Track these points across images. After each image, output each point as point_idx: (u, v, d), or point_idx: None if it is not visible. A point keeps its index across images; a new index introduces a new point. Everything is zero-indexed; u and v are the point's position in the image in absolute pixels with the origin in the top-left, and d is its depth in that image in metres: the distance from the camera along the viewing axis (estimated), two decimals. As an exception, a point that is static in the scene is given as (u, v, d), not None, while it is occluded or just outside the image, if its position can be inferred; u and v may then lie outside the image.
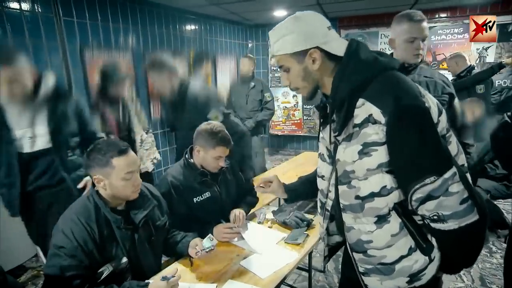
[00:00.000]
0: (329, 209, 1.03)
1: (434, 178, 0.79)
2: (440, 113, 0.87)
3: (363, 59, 0.88)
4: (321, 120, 1.04)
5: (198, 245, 1.41)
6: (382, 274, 0.93)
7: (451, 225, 0.81)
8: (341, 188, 0.95)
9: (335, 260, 2.52)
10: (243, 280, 1.32)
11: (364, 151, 0.85)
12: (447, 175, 0.79)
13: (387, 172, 0.85)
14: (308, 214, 1.83)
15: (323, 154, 1.06)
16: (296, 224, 1.70)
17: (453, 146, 0.89)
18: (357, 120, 0.86)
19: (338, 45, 0.91)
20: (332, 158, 0.98)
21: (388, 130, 0.81)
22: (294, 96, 5.66)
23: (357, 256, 0.98)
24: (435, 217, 0.82)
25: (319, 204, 1.11)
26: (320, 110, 1.03)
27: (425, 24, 1.51)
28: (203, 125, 1.66)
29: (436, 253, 0.90)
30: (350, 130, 0.88)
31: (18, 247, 2.44)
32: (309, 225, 1.73)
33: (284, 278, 1.37)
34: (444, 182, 0.79)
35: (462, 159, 0.90)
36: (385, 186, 0.86)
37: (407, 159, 0.82)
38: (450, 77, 3.68)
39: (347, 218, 0.97)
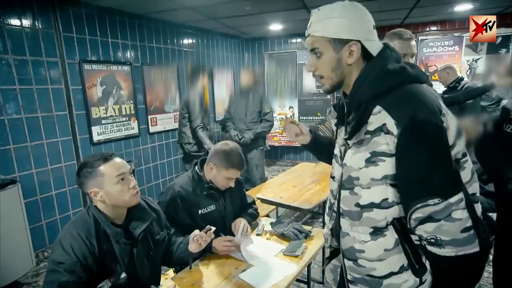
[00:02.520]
0: (336, 210, 1.01)
1: (438, 200, 0.75)
2: (458, 136, 0.81)
3: (389, 68, 0.84)
4: (337, 120, 1.02)
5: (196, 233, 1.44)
6: (369, 286, 0.93)
7: (447, 251, 0.77)
8: (344, 193, 0.94)
9: (334, 271, 2.51)
10: (242, 293, 1.32)
11: (372, 160, 0.83)
12: (452, 199, 0.75)
13: (391, 185, 0.83)
14: (306, 226, 1.84)
15: (336, 155, 1.03)
16: (294, 235, 1.71)
17: (467, 173, 0.82)
18: (371, 127, 0.84)
19: (376, 47, 0.88)
20: (342, 161, 0.96)
21: (398, 143, 0.78)
22: (290, 107, 5.73)
23: (347, 263, 0.98)
24: (432, 240, 0.79)
25: (327, 205, 1.10)
26: (338, 110, 1.00)
27: (413, 42, 1.59)
28: (220, 145, 1.70)
29: (428, 277, 0.87)
30: (362, 136, 0.86)
31: (13, 263, 2.41)
32: (307, 236, 1.74)
33: (283, 290, 1.37)
34: (447, 206, 0.75)
35: (474, 188, 0.84)
36: (387, 199, 0.84)
37: (413, 176, 0.79)
38: (441, 87, 3.78)
39: (344, 223, 0.96)
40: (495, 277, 1.80)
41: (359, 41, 0.85)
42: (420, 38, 4.77)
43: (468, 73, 4.56)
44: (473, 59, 4.54)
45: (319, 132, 1.26)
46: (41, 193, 2.86)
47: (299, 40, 5.49)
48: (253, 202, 1.99)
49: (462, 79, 3.45)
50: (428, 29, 4.76)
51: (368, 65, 0.87)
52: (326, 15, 0.86)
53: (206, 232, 1.44)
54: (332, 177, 1.05)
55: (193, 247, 1.44)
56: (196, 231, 1.46)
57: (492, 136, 1.63)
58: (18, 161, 2.67)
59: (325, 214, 1.13)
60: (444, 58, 4.66)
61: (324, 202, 2.76)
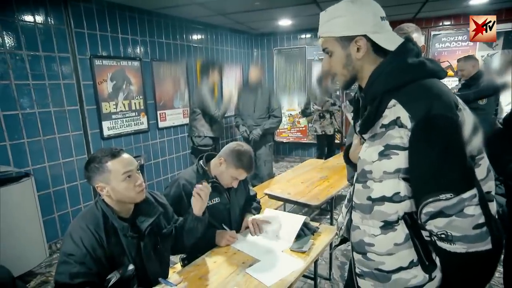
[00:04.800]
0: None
1: (451, 195, 0.74)
2: (475, 133, 0.79)
3: (409, 62, 0.84)
4: (353, 114, 1.02)
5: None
6: (377, 280, 0.92)
7: (458, 247, 0.76)
8: (357, 186, 0.94)
9: (341, 268, 2.51)
10: (248, 287, 1.33)
11: (385, 153, 0.83)
12: (465, 195, 0.74)
13: (404, 179, 0.83)
14: (314, 222, 1.84)
15: None
16: (302, 232, 1.71)
17: (482, 170, 0.81)
18: (385, 120, 0.84)
19: (388, 38, 0.87)
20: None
21: (412, 136, 0.78)
22: (299, 104, 5.69)
23: (356, 256, 0.98)
24: (443, 236, 0.78)
25: (347, 197, 1.11)
26: (353, 104, 1.00)
27: (414, 36, 1.55)
28: (235, 144, 1.72)
29: (437, 273, 0.86)
30: (376, 130, 0.86)
31: (28, 252, 2.48)
32: (314, 233, 1.73)
33: (290, 286, 1.36)
34: (460, 202, 0.74)
35: (489, 186, 0.82)
36: (399, 192, 0.84)
37: (426, 170, 0.78)
38: (456, 82, 3.65)
39: (355, 216, 0.96)
40: (506, 277, 1.77)
41: (365, 35, 0.86)
42: (432, 33, 4.66)
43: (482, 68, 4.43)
44: (488, 54, 4.41)
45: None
46: (54, 186, 2.93)
47: (308, 35, 5.44)
48: (256, 195, 2.02)
49: (482, 73, 3.19)
50: (441, 23, 4.65)
51: (387, 59, 0.86)
52: (331, 15, 0.89)
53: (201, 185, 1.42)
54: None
55: (197, 208, 1.43)
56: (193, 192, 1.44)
57: (502, 133, 1.60)
58: (31, 155, 2.74)
59: (344, 206, 1.14)
60: (458, 53, 4.54)
61: (332, 199, 2.75)
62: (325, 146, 4.78)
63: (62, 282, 1.13)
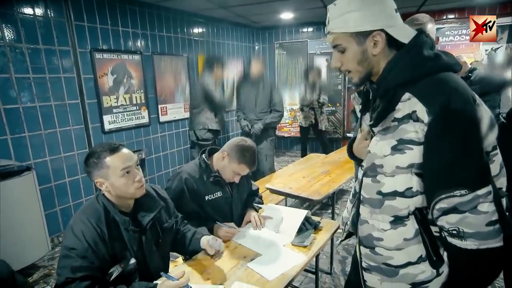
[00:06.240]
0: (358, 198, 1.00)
1: (465, 192, 0.73)
2: (491, 128, 0.77)
3: (424, 54, 0.81)
4: (362, 107, 1.00)
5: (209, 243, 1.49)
6: (384, 275, 0.92)
7: (469, 244, 0.76)
8: (366, 180, 0.93)
9: (342, 262, 2.52)
10: (250, 281, 1.33)
11: (398, 147, 0.81)
12: (480, 191, 0.73)
13: (416, 174, 0.81)
14: (315, 217, 1.84)
15: None
16: (303, 226, 1.71)
17: (495, 166, 0.80)
18: (398, 114, 0.81)
19: (402, 31, 0.85)
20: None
21: (428, 130, 0.76)
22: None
23: (363, 250, 0.97)
24: (454, 232, 0.77)
25: (352, 192, 1.10)
26: (362, 96, 0.98)
27: (429, 26, 1.52)
28: (239, 139, 1.71)
29: (445, 269, 0.86)
30: (388, 123, 0.84)
31: (30, 246, 2.49)
32: (316, 227, 1.74)
33: (291, 280, 1.37)
34: (474, 198, 0.73)
35: (501, 183, 0.81)
36: (411, 188, 0.82)
37: (441, 165, 0.76)
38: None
39: (363, 211, 0.95)
40: (506, 272, 1.77)
41: (382, 29, 0.83)
42: (436, 27, 4.61)
43: (485, 62, 4.38)
44: (492, 48, 4.36)
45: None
46: (55, 180, 2.94)
47: (310, 29, 5.39)
48: (258, 190, 2.02)
49: (475, 69, 3.30)
50: (445, 17, 4.59)
51: (401, 52, 0.84)
52: (344, 10, 0.84)
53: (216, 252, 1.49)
54: (361, 166, 1.04)
55: (207, 250, 1.50)
56: (211, 241, 1.49)
57: (506, 128, 1.58)
58: (32, 149, 2.74)
59: (348, 201, 1.13)
60: (461, 47, 4.50)
61: (334, 193, 2.75)
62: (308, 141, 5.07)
63: (64, 275, 1.13)
